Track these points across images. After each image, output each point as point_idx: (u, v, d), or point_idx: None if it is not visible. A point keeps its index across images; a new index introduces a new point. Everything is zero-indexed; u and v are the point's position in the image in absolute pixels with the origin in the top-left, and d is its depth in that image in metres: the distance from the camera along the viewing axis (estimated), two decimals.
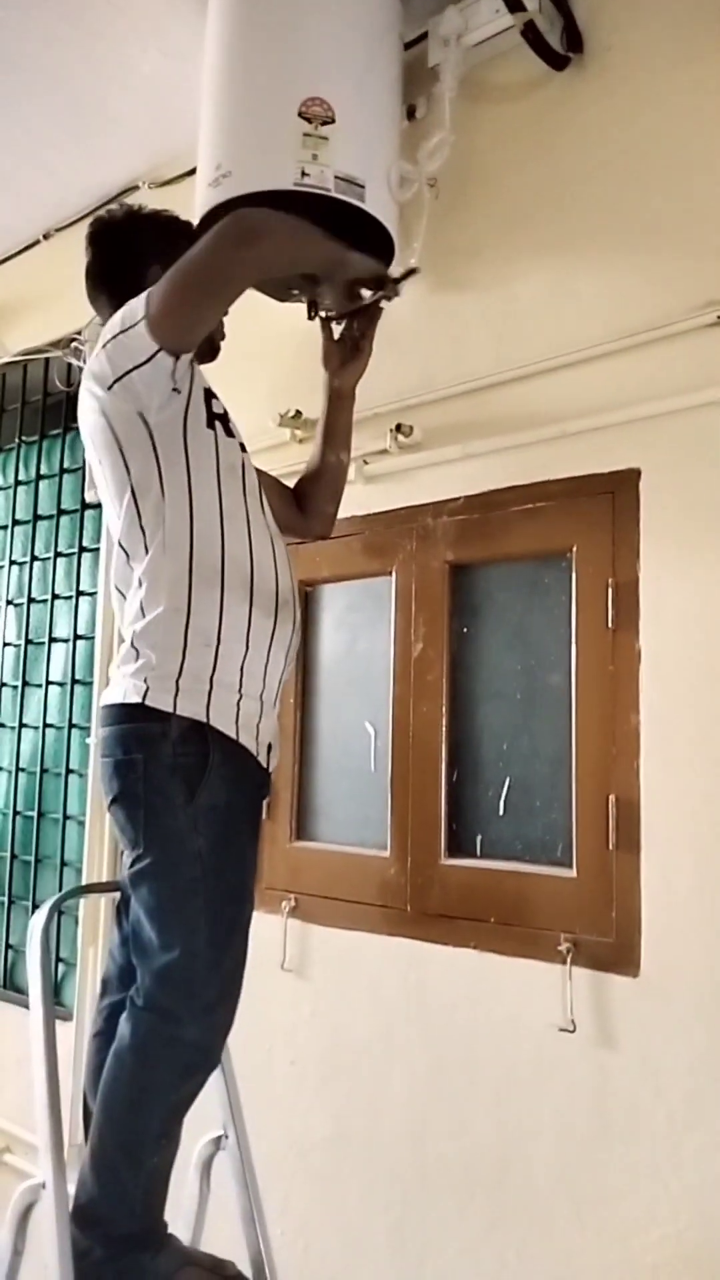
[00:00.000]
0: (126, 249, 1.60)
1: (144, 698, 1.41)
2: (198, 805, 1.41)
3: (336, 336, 1.73)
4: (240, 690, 1.47)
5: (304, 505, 1.76)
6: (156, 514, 1.45)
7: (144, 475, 1.45)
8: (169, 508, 1.45)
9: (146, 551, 1.46)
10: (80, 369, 2.13)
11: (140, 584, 1.46)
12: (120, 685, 1.45)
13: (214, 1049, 1.47)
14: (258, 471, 1.60)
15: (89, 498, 2.67)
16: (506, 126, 1.95)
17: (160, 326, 1.39)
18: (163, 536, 1.45)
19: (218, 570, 1.46)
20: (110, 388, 1.43)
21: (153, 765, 1.41)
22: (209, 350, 1.61)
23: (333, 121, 1.79)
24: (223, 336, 1.64)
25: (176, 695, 1.41)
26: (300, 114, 1.78)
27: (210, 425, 1.51)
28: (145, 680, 1.42)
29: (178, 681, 1.42)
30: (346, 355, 1.71)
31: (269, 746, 1.52)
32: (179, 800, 1.40)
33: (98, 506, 2.48)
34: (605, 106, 1.82)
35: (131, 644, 1.46)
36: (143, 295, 1.42)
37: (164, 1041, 1.41)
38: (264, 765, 1.50)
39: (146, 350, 1.40)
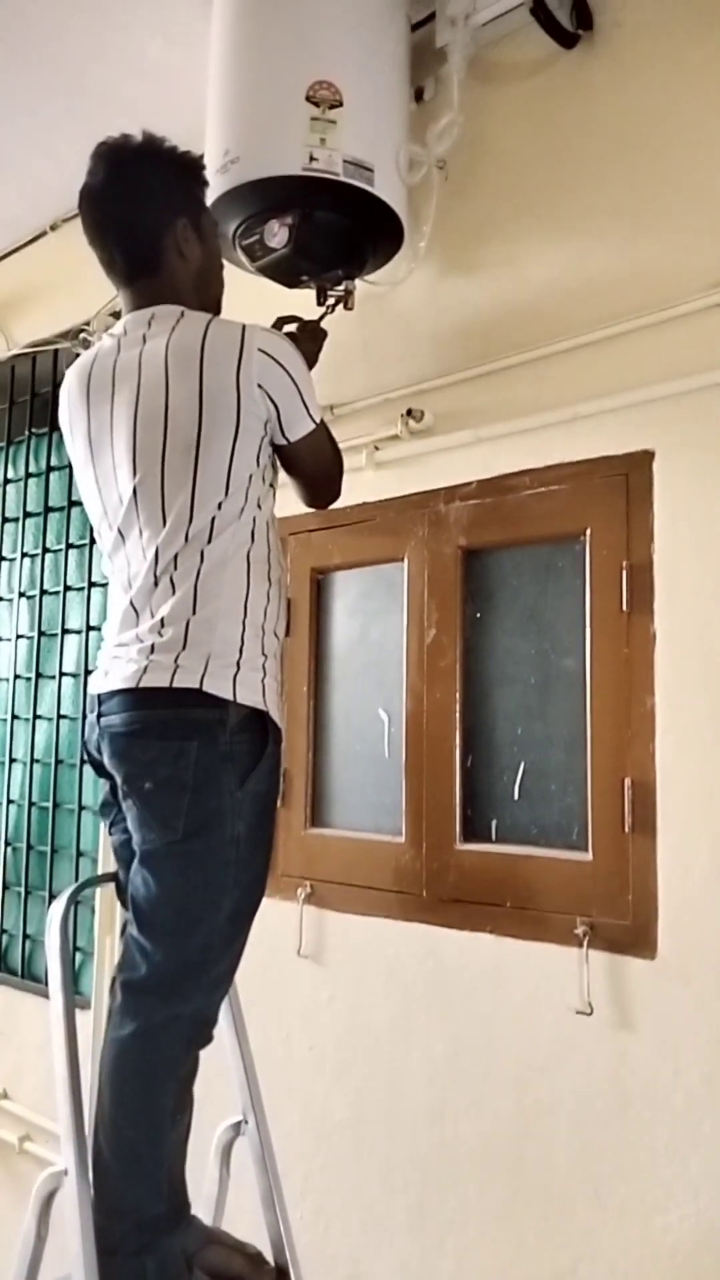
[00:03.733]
0: (148, 196, 1.54)
1: (201, 683, 1.41)
2: (245, 790, 1.44)
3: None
4: (279, 677, 1.53)
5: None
6: (234, 507, 1.48)
7: (243, 468, 1.49)
8: (248, 506, 1.50)
9: (211, 537, 1.46)
10: None
11: (195, 565, 1.45)
12: (163, 669, 1.42)
13: (213, 1018, 1.51)
14: None
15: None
16: (516, 107, 1.94)
17: (298, 445, 1.57)
18: (234, 530, 1.48)
19: (267, 562, 1.53)
20: (261, 387, 1.48)
21: (206, 752, 1.41)
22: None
23: (340, 105, 1.78)
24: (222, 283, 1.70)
25: (235, 682, 1.43)
26: (308, 98, 1.77)
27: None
28: (204, 666, 1.42)
29: (237, 668, 1.44)
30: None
31: None
32: (229, 786, 1.42)
33: None
34: (616, 84, 1.80)
35: (184, 629, 1.43)
36: (317, 406, 1.57)
37: (168, 1020, 1.44)
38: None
39: (286, 430, 1.54)
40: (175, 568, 1.45)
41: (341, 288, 1.95)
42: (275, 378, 1.49)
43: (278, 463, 1.62)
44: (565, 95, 1.87)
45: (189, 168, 1.60)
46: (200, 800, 1.41)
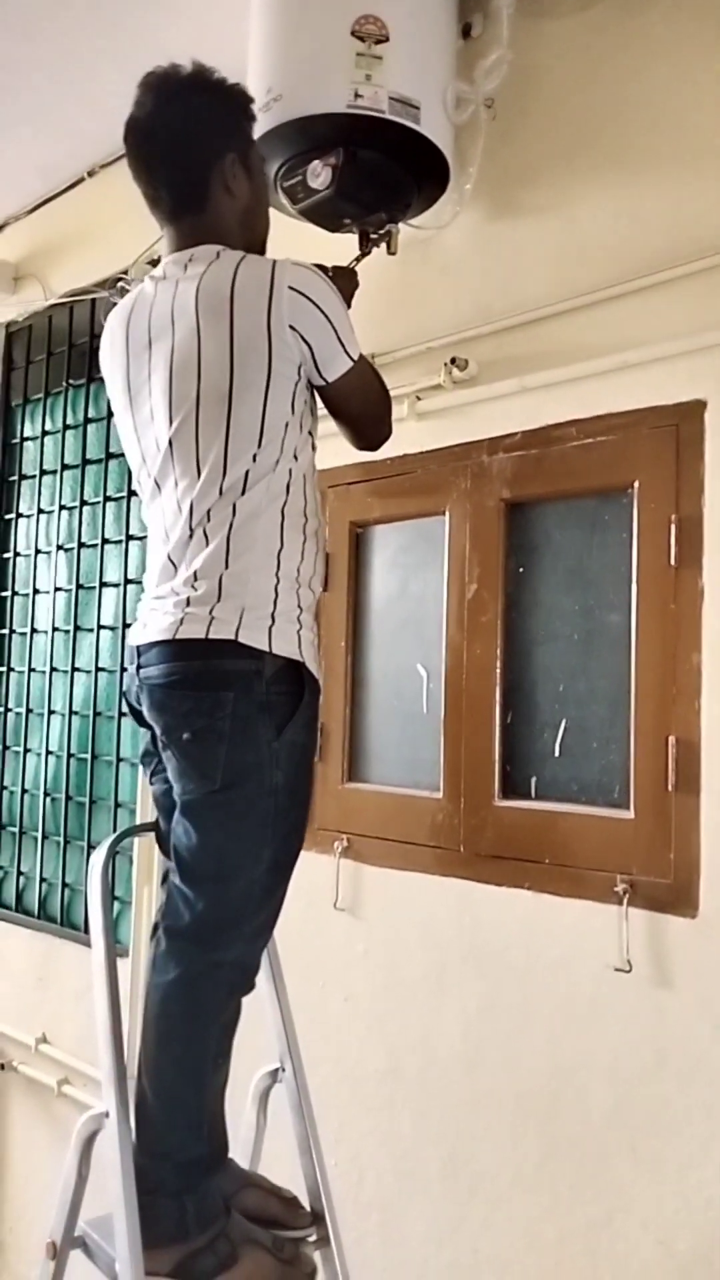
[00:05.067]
0: (197, 129, 1.50)
1: (236, 634, 1.41)
2: (282, 741, 1.44)
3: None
4: (315, 630, 1.51)
5: None
6: (269, 458, 1.45)
7: (277, 418, 1.45)
8: (283, 457, 1.47)
9: (245, 489, 1.44)
10: None
11: (228, 516, 1.44)
12: (199, 620, 1.42)
13: (256, 967, 1.52)
14: None
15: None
16: (567, 43, 1.86)
17: (338, 384, 1.51)
18: (268, 482, 1.45)
19: (303, 515, 1.50)
20: (294, 328, 1.43)
21: (243, 702, 1.41)
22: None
23: (387, 40, 1.73)
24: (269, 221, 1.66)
25: (271, 634, 1.42)
26: (353, 33, 1.72)
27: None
28: (239, 617, 1.41)
29: (273, 620, 1.43)
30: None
31: None
32: (265, 736, 1.42)
33: None
34: (671, 20, 1.73)
35: (218, 581, 1.43)
36: (355, 341, 1.52)
37: (210, 966, 1.45)
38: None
39: (323, 370, 1.49)
40: (209, 520, 1.44)
41: (384, 230, 1.90)
42: (308, 316, 1.44)
43: (315, 410, 1.58)
44: (619, 30, 1.80)
45: (239, 100, 1.56)
46: (237, 750, 1.41)
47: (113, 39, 2.32)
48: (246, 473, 1.44)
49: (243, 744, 1.41)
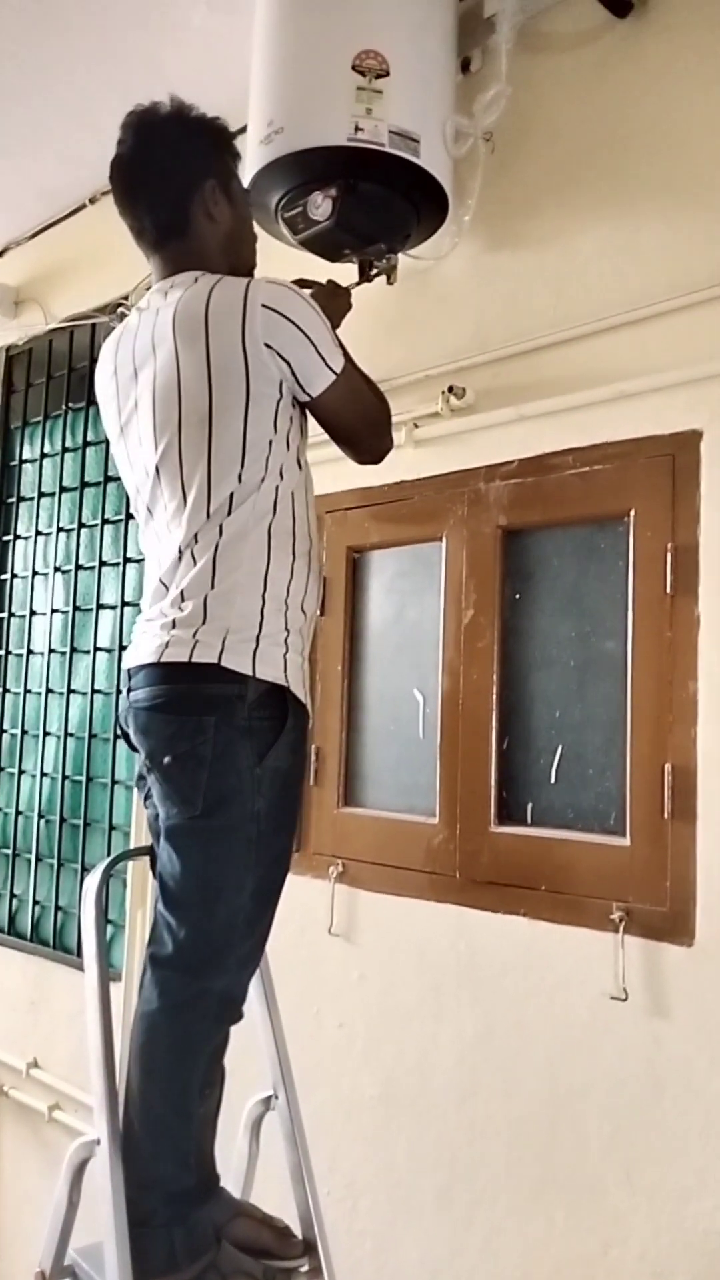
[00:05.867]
0: (176, 159, 1.53)
1: (219, 658, 1.40)
2: (265, 767, 1.42)
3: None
4: (303, 653, 1.50)
5: None
6: (254, 477, 1.45)
7: (260, 436, 1.45)
8: (269, 476, 1.46)
9: (230, 510, 1.44)
10: None
11: (214, 538, 1.44)
12: (183, 644, 1.42)
13: (242, 996, 1.51)
14: None
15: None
16: (565, 78, 1.90)
17: (324, 398, 1.49)
18: (254, 502, 1.45)
19: (291, 535, 1.48)
20: (269, 346, 1.42)
21: (225, 727, 1.40)
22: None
23: (387, 75, 1.75)
24: (256, 246, 1.67)
25: (255, 657, 1.41)
26: (354, 67, 1.75)
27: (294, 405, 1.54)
28: (222, 641, 1.41)
29: (257, 643, 1.42)
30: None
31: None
32: (247, 763, 1.41)
33: None
34: (669, 55, 1.76)
35: (202, 603, 1.43)
36: (339, 351, 1.50)
37: (195, 996, 1.44)
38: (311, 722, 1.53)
39: (306, 386, 1.47)
40: (196, 542, 1.45)
41: (383, 261, 1.93)
42: (283, 333, 1.43)
43: (304, 428, 1.57)
44: (617, 66, 1.83)
45: (217, 134, 1.58)
46: (219, 776, 1.40)
47: (116, 67, 2.35)
48: (231, 494, 1.44)
49: (224, 770, 1.40)
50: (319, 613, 1.60)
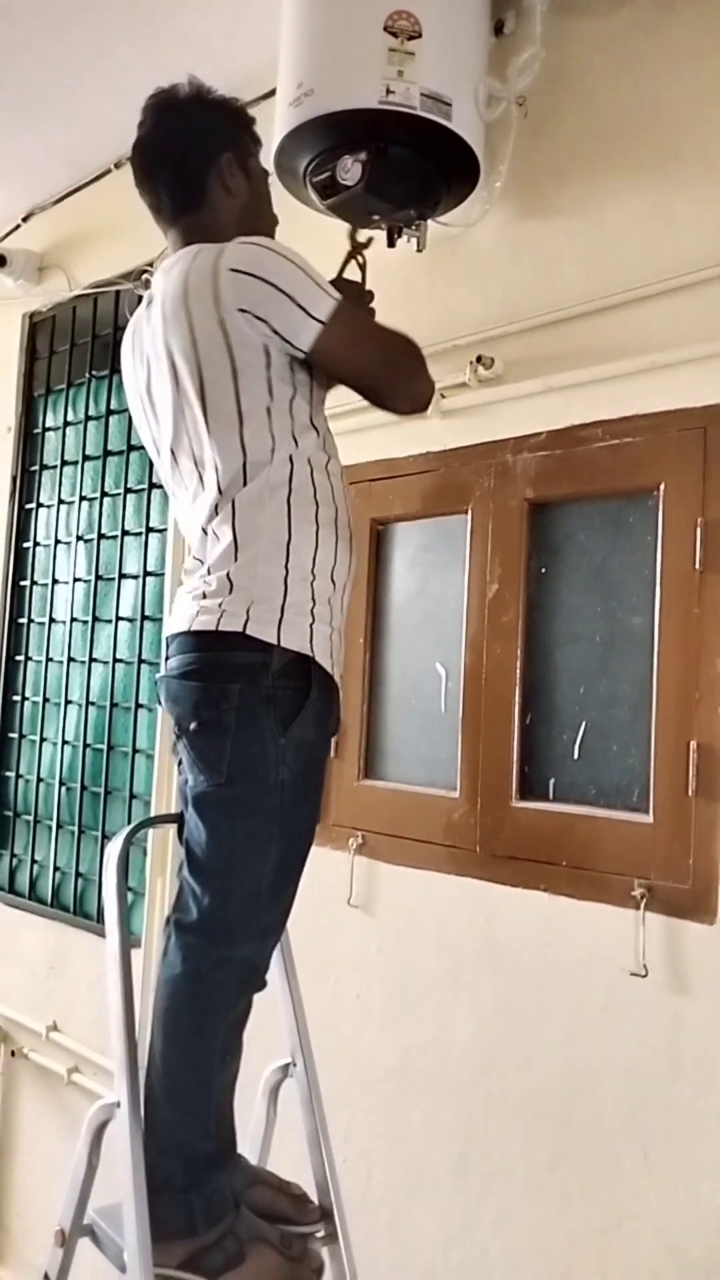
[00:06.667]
0: (194, 133, 1.55)
1: (244, 627, 1.41)
2: (290, 737, 1.42)
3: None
4: (331, 624, 1.49)
5: None
6: (262, 447, 1.43)
7: (255, 405, 1.43)
8: (279, 445, 1.44)
9: (245, 483, 1.44)
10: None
11: (230, 512, 1.44)
12: (210, 613, 1.43)
13: (265, 965, 1.51)
14: None
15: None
16: (601, 41, 1.85)
17: (319, 349, 1.43)
18: (267, 474, 1.44)
19: (313, 503, 1.47)
20: (243, 310, 1.40)
21: (249, 695, 1.41)
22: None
23: (419, 36, 1.72)
24: (276, 222, 1.65)
25: (280, 627, 1.41)
26: (386, 28, 1.71)
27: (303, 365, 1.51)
28: (247, 610, 1.41)
29: (281, 613, 1.42)
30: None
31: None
32: (272, 732, 1.41)
33: None
34: (706, 20, 1.71)
35: (226, 575, 1.43)
36: (328, 298, 1.43)
37: (218, 963, 1.45)
38: (339, 692, 1.52)
39: (295, 342, 1.42)
40: (216, 516, 1.46)
41: (414, 225, 1.89)
42: (254, 292, 1.40)
43: (315, 391, 1.52)
44: (653, 30, 1.78)
45: (235, 114, 1.61)
46: (243, 744, 1.41)
47: (142, 31, 2.32)
48: (243, 466, 1.43)
49: (248, 738, 1.41)
50: (350, 582, 1.58)
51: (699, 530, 1.64)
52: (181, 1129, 1.46)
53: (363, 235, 1.88)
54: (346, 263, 1.86)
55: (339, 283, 1.68)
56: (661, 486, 1.70)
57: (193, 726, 1.44)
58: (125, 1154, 1.43)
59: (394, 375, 1.55)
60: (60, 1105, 2.82)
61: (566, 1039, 1.73)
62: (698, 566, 1.64)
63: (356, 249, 1.87)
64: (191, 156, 1.53)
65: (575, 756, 1.81)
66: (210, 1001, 1.47)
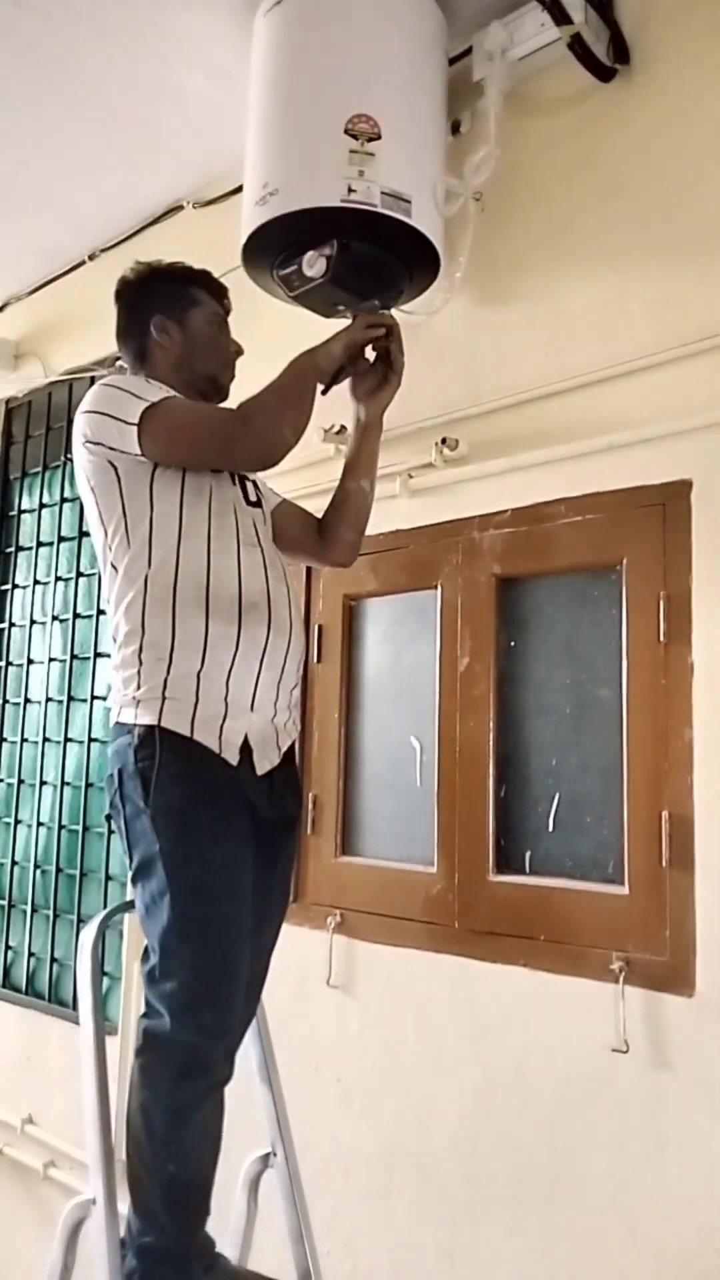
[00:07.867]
0: (134, 306, 1.69)
1: (119, 715, 1.52)
2: (154, 806, 1.45)
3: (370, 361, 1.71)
4: (197, 695, 1.48)
5: (325, 532, 1.76)
6: (121, 546, 1.54)
7: (110, 514, 1.55)
8: (134, 542, 1.52)
9: (116, 582, 1.55)
10: None
11: (114, 609, 1.55)
12: (114, 708, 1.57)
13: (200, 1051, 1.42)
14: (282, 500, 1.75)
15: None
16: (553, 139, 1.95)
17: (145, 448, 1.50)
18: (125, 565, 1.53)
19: (170, 588, 1.50)
20: (86, 444, 1.54)
21: (124, 775, 1.48)
22: (214, 391, 1.69)
23: (379, 138, 1.80)
24: (232, 378, 1.72)
25: (137, 709, 1.49)
26: (347, 131, 1.79)
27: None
28: (119, 700, 1.52)
29: (135, 697, 1.49)
30: (375, 383, 1.71)
31: (244, 745, 1.49)
32: (140, 804, 1.46)
33: None
34: (653, 117, 1.81)
35: (116, 672, 1.55)
36: (141, 402, 1.50)
37: (157, 1043, 1.43)
38: (232, 762, 1.48)
39: (129, 449, 1.51)
40: (114, 610, 1.56)
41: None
42: (92, 426, 1.53)
43: (183, 488, 1.54)
44: (602, 129, 1.88)
45: (175, 277, 1.71)
46: (128, 822, 1.48)
47: (117, 130, 2.41)
48: (115, 565, 1.55)
49: (130, 815, 1.48)
50: (265, 651, 1.54)
51: (661, 603, 1.68)
52: (134, 1217, 1.42)
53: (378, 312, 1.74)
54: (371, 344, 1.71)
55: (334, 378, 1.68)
56: (624, 561, 1.74)
57: (106, 814, 1.58)
58: (102, 1253, 1.39)
59: (221, 445, 1.56)
60: (36, 1201, 2.73)
61: (550, 1118, 1.71)
62: (662, 639, 1.67)
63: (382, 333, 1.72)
64: (131, 329, 1.69)
65: (550, 829, 1.82)
66: (149, 1083, 1.42)
